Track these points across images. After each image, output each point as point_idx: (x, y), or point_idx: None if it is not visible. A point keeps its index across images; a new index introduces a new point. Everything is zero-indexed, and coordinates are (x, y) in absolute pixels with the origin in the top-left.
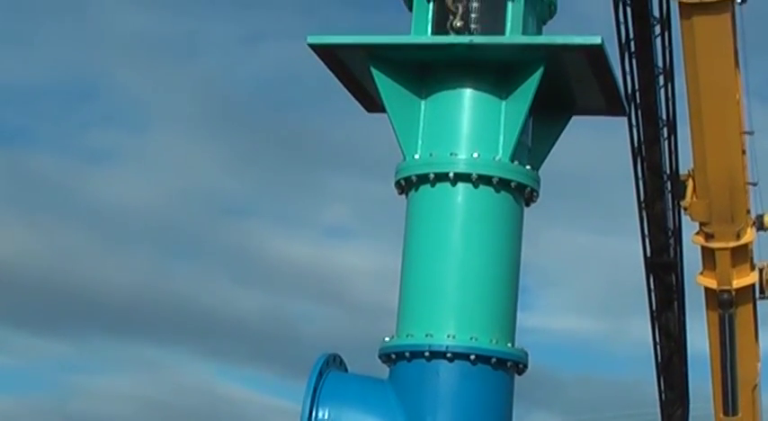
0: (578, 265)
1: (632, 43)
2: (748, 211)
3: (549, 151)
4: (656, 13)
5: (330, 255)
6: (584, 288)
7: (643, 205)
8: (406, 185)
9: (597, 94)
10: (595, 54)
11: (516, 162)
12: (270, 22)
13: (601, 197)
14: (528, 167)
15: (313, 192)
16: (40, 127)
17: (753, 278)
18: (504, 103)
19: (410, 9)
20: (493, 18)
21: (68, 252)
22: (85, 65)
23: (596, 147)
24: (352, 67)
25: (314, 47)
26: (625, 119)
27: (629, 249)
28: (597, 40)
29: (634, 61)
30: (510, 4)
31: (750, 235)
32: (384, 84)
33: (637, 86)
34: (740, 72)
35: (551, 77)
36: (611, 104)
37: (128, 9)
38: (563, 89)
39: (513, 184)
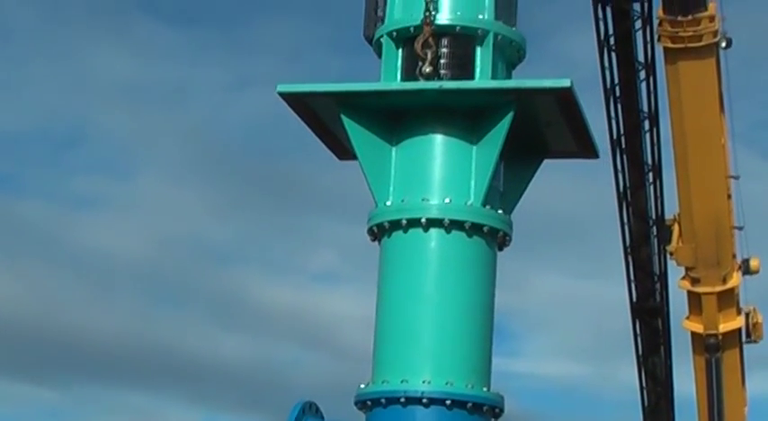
0: (565, 310)
1: (617, 88)
2: (734, 256)
3: (521, 195)
4: (641, 58)
5: (318, 301)
6: (570, 333)
7: (629, 250)
8: (379, 232)
9: (568, 136)
10: (565, 97)
11: (488, 206)
12: (257, 68)
13: (587, 241)
14: (500, 212)
15: (301, 237)
16: (25, 173)
17: (739, 322)
18: (474, 147)
19: (380, 56)
20: (462, 63)
21: (54, 298)
22: (72, 110)
23: (582, 190)
24: (322, 115)
25: (283, 95)
26: (610, 162)
27: (616, 293)
28: (566, 83)
29: (619, 106)
30: (479, 49)
31: (736, 279)
32: (354, 131)
33: (622, 131)
34: (725, 116)
35: (522, 121)
36: (582, 147)
37: (114, 55)
38: (534, 132)
39: (485, 229)
